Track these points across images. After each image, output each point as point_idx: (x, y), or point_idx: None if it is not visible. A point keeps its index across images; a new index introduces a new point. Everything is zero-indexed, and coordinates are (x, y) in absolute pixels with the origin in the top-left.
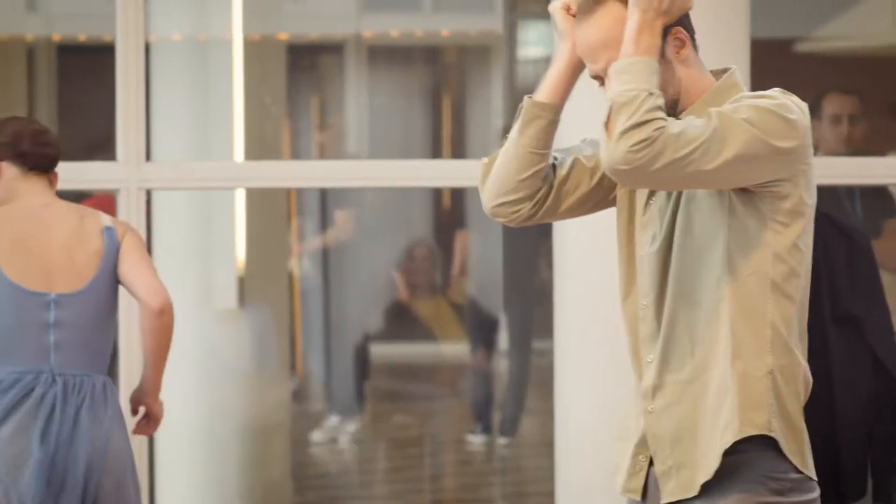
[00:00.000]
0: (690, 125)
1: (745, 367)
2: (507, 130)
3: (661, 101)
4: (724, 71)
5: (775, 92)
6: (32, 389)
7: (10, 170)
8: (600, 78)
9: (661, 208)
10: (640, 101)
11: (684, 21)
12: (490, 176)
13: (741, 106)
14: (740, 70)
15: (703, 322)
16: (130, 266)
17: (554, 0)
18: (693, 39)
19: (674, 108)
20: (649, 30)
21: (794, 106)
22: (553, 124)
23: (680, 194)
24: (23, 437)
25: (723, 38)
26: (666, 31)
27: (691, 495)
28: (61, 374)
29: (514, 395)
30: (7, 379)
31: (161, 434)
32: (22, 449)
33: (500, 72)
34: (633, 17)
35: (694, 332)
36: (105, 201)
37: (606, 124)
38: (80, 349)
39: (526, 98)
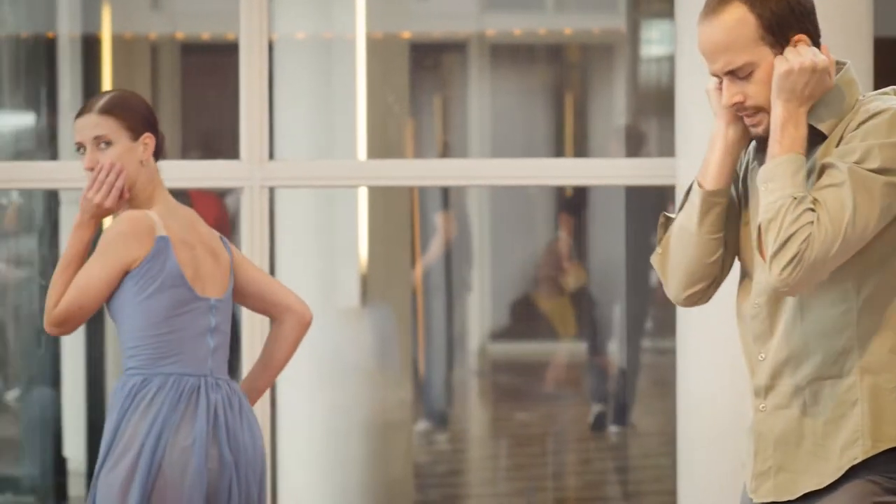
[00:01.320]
0: (831, 207)
1: (875, 380)
2: (630, 130)
3: (807, 201)
4: (840, 65)
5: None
6: (200, 393)
7: (151, 149)
8: (718, 76)
9: None
10: (784, 212)
11: (808, 24)
12: (671, 269)
13: (872, 149)
14: (864, 69)
15: (824, 330)
16: (262, 277)
17: (709, 82)
18: (817, 39)
19: None
20: (794, 122)
21: None
22: (726, 205)
23: None
24: (199, 443)
25: (845, 37)
26: (787, 40)
27: (788, 499)
28: (217, 379)
29: (626, 385)
30: (178, 382)
31: (283, 431)
32: (198, 454)
33: (623, 70)
34: (777, 109)
35: (813, 339)
36: (209, 200)
37: (759, 246)
38: (225, 354)
39: (695, 187)
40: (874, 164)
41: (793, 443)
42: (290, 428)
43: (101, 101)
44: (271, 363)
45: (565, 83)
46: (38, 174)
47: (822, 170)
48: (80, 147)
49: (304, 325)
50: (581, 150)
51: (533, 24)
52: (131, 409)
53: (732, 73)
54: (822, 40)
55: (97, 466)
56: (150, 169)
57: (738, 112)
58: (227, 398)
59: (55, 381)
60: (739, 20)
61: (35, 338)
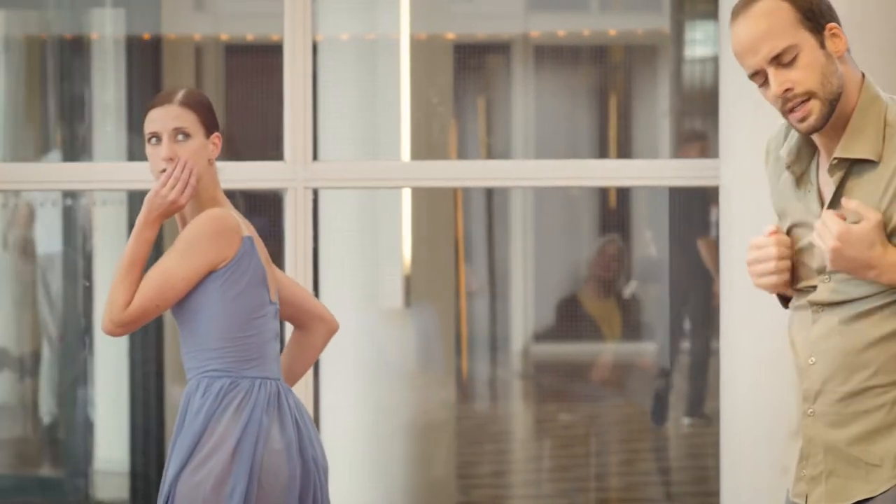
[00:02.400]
0: None
1: None
2: (685, 131)
3: None
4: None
5: None
6: (281, 397)
7: (218, 149)
8: (761, 74)
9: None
10: None
11: (835, 16)
12: None
13: None
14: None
15: (877, 339)
16: (291, 283)
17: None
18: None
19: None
20: (886, 265)
21: None
22: None
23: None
24: (291, 447)
25: (874, 36)
26: (822, 27)
27: None
28: (280, 381)
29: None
30: (263, 385)
31: (327, 431)
32: (291, 459)
33: (667, 71)
34: (865, 275)
35: (865, 347)
36: None
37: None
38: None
39: None
40: None
41: (843, 449)
42: (333, 429)
43: (180, 94)
44: (296, 370)
45: (609, 84)
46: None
47: None
48: (154, 137)
49: (332, 334)
50: (624, 152)
51: (577, 25)
52: (220, 411)
53: (777, 60)
54: (861, 45)
55: (175, 467)
56: (214, 169)
57: (788, 104)
58: (297, 403)
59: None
60: (775, 7)
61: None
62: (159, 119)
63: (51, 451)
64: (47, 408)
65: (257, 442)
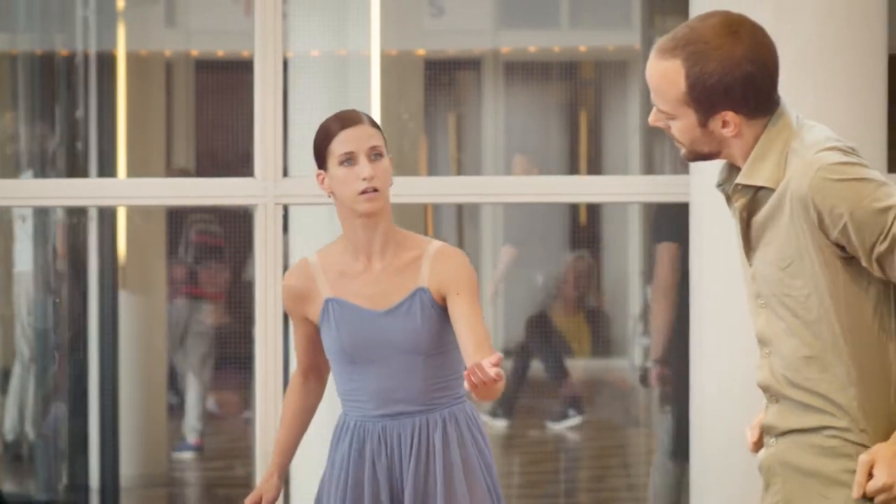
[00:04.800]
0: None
1: (877, 422)
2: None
3: None
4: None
5: (839, 157)
6: None
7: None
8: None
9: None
10: None
11: (740, 102)
12: None
13: (875, 195)
14: (878, 85)
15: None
16: None
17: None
18: (752, 112)
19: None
20: None
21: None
22: None
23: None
24: None
25: (860, 54)
26: (712, 112)
27: None
28: None
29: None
30: None
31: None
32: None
33: (638, 87)
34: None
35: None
36: None
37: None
38: None
39: None
40: (883, 203)
41: (800, 479)
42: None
43: (366, 115)
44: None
45: (579, 100)
46: (58, 191)
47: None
48: (349, 158)
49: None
50: (595, 168)
51: (547, 41)
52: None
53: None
54: (839, 59)
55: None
56: None
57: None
58: None
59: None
60: (671, 78)
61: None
62: (355, 139)
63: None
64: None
65: None
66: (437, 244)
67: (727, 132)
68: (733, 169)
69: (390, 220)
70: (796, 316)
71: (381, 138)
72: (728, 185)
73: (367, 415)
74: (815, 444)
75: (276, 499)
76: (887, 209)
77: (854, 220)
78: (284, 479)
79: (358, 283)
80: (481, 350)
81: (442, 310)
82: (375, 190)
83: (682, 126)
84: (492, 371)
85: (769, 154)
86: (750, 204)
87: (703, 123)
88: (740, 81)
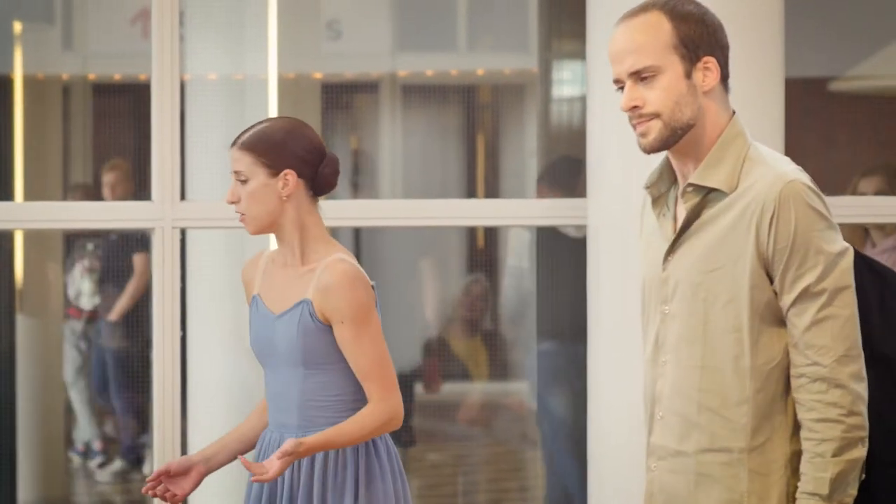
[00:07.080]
0: (831, 337)
1: (763, 457)
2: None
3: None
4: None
5: (811, 184)
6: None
7: (300, 190)
8: (620, 82)
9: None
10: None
11: (718, 52)
12: None
13: (824, 235)
14: (776, 109)
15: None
16: None
17: None
18: (725, 79)
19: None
20: None
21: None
22: None
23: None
24: None
25: (757, 78)
26: (697, 57)
27: None
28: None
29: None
30: None
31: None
32: None
33: (535, 111)
34: None
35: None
36: None
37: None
38: None
39: None
40: (835, 248)
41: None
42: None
43: (243, 136)
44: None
45: (477, 123)
46: None
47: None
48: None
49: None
50: (492, 191)
51: (445, 64)
52: None
53: (636, 75)
54: (737, 82)
55: None
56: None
57: (633, 119)
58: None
59: None
60: (656, 24)
61: None
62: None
63: None
64: None
65: None
66: (328, 260)
67: (707, 83)
68: (665, 171)
69: (299, 227)
70: (705, 322)
71: (247, 161)
72: (657, 187)
73: (269, 422)
74: (696, 471)
75: (180, 472)
76: (831, 253)
77: (795, 245)
78: (203, 473)
79: (274, 281)
80: (367, 380)
81: (326, 328)
82: (243, 214)
83: (668, 82)
84: (269, 463)
85: (725, 158)
86: (698, 205)
87: (689, 73)
88: (717, 22)
